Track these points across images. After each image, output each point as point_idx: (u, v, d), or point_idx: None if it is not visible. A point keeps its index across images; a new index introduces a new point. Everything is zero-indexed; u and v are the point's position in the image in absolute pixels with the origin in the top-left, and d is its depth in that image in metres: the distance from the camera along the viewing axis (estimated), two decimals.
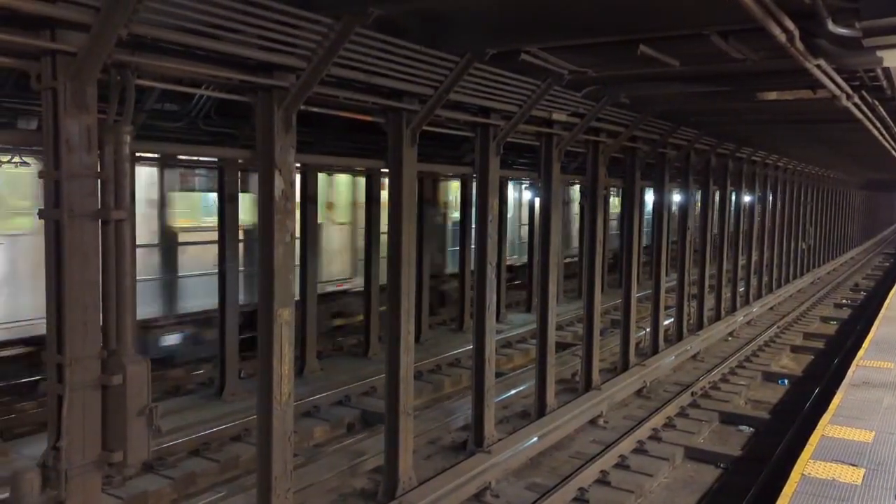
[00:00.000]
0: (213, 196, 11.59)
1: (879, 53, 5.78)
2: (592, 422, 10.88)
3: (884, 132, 12.10)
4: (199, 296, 12.00)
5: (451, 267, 17.91)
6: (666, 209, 14.78)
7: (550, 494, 8.19)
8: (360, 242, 14.57)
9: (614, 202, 24.53)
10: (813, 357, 16.16)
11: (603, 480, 8.84)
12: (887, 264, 37.21)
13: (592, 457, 9.29)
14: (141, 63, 4.97)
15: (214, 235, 11.38)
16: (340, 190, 14.99)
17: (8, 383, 10.17)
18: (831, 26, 5.08)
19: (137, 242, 9.86)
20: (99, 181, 4.82)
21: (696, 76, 8.27)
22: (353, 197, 15.18)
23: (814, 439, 7.32)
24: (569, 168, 17.00)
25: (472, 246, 17.17)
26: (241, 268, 11.62)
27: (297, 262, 12.06)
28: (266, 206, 6.10)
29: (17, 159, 9.44)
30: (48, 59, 4.53)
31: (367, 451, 9.13)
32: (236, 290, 11.37)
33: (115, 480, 7.91)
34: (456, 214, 17.85)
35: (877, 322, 14.05)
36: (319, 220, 13.29)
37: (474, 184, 9.57)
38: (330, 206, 14.59)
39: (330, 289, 14.47)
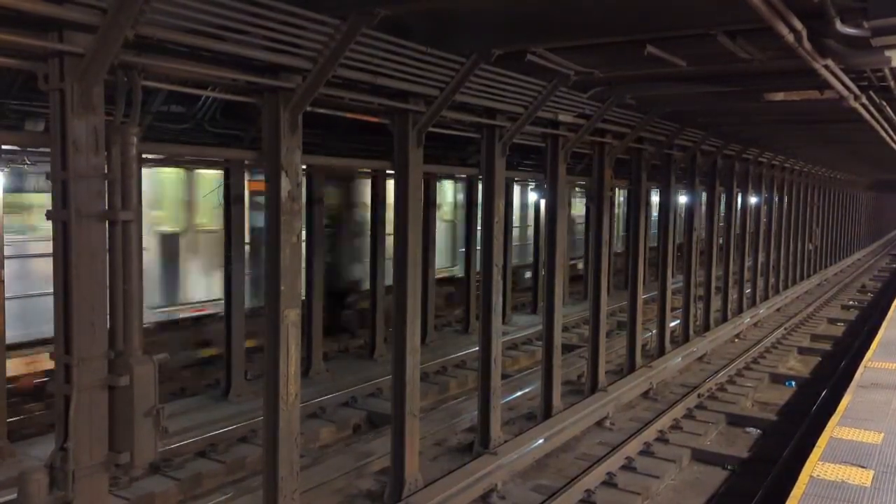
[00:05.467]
0: None
1: (888, 53, 5.74)
2: (599, 423, 10.86)
3: (891, 133, 12.05)
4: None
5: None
6: (672, 211, 14.74)
7: (557, 496, 8.17)
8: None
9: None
10: (820, 359, 16.09)
11: (609, 482, 8.82)
12: (895, 266, 37.04)
13: (599, 458, 9.27)
14: (147, 64, 4.98)
15: None
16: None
17: None
18: (839, 26, 5.05)
19: None
20: (106, 182, 4.82)
21: (702, 77, 8.25)
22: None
23: (822, 441, 7.28)
24: (575, 169, 16.97)
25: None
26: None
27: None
28: (272, 207, 6.11)
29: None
30: (55, 60, 4.54)
31: (373, 452, 9.13)
32: (242, 291, 11.40)
33: (122, 481, 7.93)
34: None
35: (885, 323, 13.98)
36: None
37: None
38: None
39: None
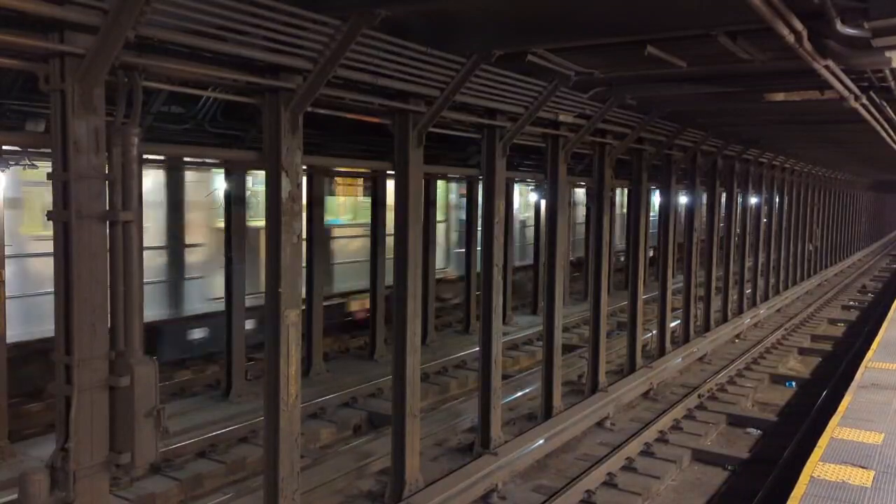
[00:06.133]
0: None
1: (888, 54, 5.75)
2: (599, 424, 10.86)
3: (892, 133, 12.06)
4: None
5: None
6: (672, 211, 14.73)
7: (557, 496, 8.17)
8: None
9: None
10: (820, 359, 16.08)
11: (610, 483, 8.82)
12: (895, 266, 37.03)
13: (599, 459, 9.27)
14: (148, 65, 4.98)
15: None
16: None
17: None
18: (840, 26, 5.05)
19: None
20: (107, 183, 4.82)
21: (703, 77, 8.25)
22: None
23: (823, 441, 7.29)
24: (575, 169, 16.96)
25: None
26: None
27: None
28: (273, 207, 6.10)
29: None
30: (56, 60, 4.54)
31: (373, 452, 9.13)
32: (243, 291, 11.41)
33: (123, 482, 7.93)
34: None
35: (885, 324, 13.98)
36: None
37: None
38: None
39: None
